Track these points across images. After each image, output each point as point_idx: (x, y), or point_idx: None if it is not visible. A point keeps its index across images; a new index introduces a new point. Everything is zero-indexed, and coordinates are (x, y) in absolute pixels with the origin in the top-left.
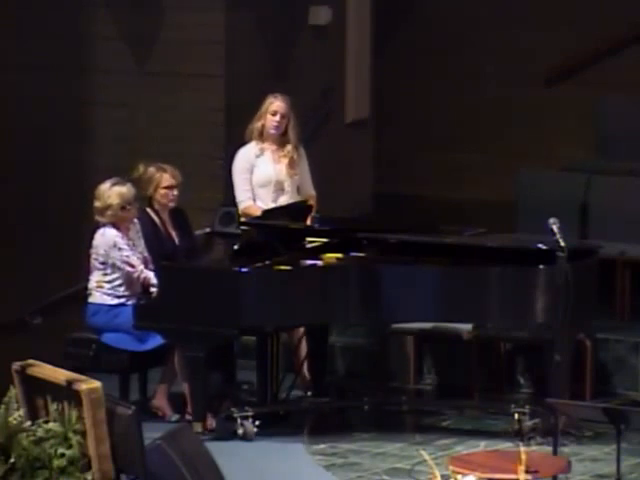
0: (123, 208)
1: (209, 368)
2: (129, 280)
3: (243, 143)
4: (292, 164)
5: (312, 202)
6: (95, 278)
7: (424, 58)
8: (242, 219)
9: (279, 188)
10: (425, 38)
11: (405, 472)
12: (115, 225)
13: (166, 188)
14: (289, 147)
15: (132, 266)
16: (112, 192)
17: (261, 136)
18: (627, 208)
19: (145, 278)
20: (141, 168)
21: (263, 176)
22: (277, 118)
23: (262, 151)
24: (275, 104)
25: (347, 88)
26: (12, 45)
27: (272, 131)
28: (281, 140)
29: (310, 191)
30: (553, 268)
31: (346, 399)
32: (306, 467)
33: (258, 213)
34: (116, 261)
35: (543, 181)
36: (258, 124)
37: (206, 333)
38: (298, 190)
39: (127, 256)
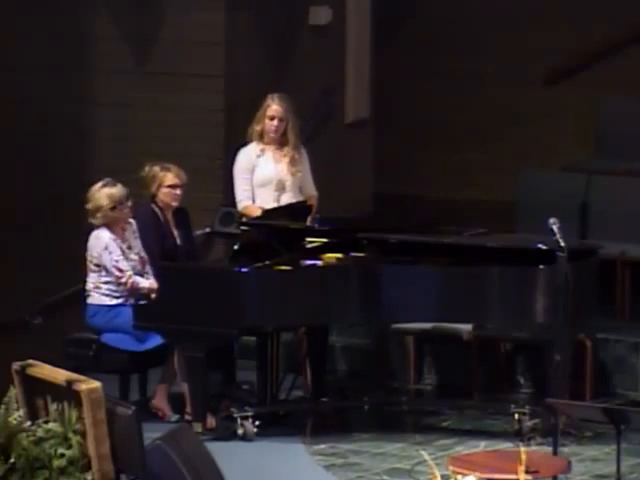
0: (113, 208)
1: (209, 368)
2: (118, 284)
3: (244, 143)
4: (293, 162)
5: (313, 202)
6: (92, 280)
7: (424, 58)
8: (242, 219)
9: (280, 187)
10: (425, 38)
11: (405, 472)
12: (109, 227)
13: (169, 187)
14: (288, 147)
15: (121, 271)
16: (101, 194)
17: (262, 138)
18: (627, 208)
19: (133, 283)
20: (147, 167)
21: (264, 175)
22: (275, 123)
23: (263, 151)
24: (272, 108)
25: (347, 88)
26: (12, 45)
27: (271, 135)
28: (282, 140)
29: (311, 191)
30: (553, 268)
31: (346, 399)
32: (306, 467)
33: (257, 213)
34: (107, 264)
35: (543, 181)
36: (258, 127)
37: (206, 333)
38: (300, 190)
39: (116, 260)
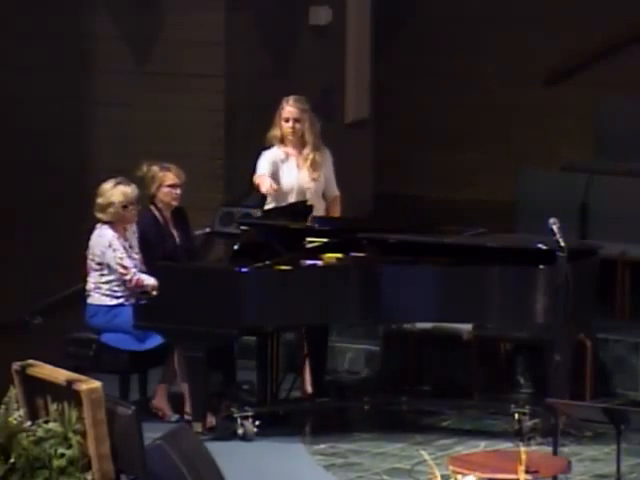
0: (125, 207)
1: (209, 368)
2: (122, 282)
3: (267, 147)
4: (314, 167)
5: (337, 203)
6: (93, 279)
7: (424, 58)
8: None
9: (301, 195)
10: (425, 38)
11: (405, 472)
12: (112, 225)
13: (169, 187)
14: (307, 150)
15: (125, 268)
16: (116, 190)
17: (282, 142)
18: (627, 208)
19: (138, 280)
20: (145, 167)
21: (285, 183)
22: (290, 124)
23: (287, 156)
24: (286, 110)
25: (347, 88)
26: (12, 45)
27: (289, 137)
28: (302, 142)
29: (334, 192)
30: (553, 268)
31: (346, 399)
32: (306, 467)
33: (266, 183)
34: (110, 262)
35: (543, 181)
36: (276, 131)
37: (206, 333)
38: (323, 194)
39: (121, 258)
